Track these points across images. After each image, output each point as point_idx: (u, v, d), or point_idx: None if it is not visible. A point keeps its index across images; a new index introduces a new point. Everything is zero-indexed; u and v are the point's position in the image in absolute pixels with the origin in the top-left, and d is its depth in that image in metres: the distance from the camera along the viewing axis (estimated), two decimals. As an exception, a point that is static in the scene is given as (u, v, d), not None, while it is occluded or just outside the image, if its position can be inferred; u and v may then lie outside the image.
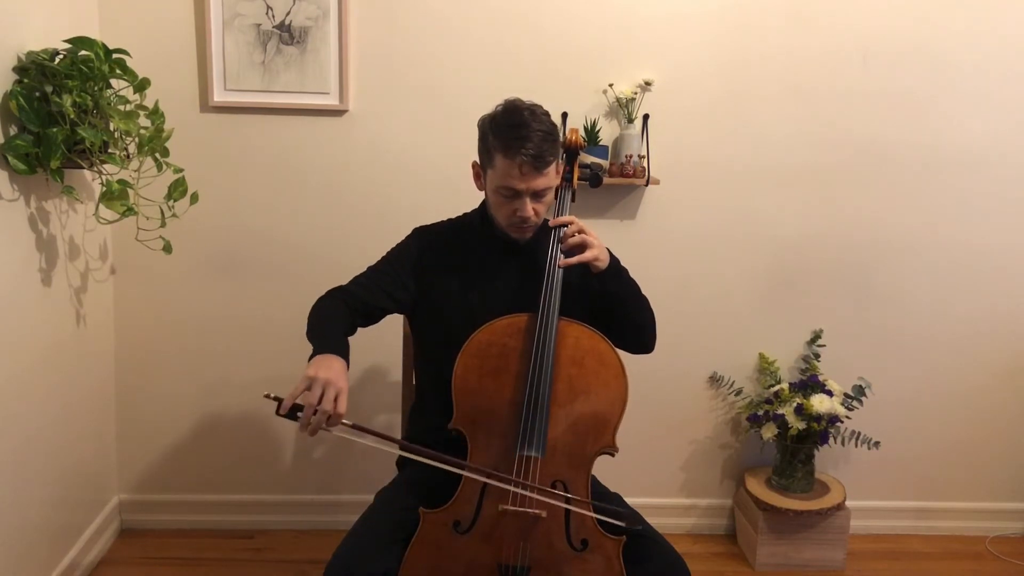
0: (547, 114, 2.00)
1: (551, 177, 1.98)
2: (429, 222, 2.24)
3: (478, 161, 2.08)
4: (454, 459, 1.85)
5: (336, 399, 1.72)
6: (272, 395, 1.71)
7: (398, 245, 2.19)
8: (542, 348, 1.91)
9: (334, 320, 1.98)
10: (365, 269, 2.14)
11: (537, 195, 1.98)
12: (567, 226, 2.00)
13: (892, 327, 3.06)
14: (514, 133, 1.93)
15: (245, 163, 2.84)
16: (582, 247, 1.99)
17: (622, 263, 2.13)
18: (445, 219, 2.24)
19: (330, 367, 1.76)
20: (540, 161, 1.92)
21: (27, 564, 2.40)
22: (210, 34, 2.71)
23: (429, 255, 2.13)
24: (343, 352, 1.86)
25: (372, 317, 2.09)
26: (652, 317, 2.15)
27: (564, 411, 1.93)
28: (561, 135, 2.19)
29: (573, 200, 2.12)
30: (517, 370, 1.93)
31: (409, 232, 2.22)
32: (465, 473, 1.87)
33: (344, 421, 1.74)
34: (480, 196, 2.16)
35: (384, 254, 2.17)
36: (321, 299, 2.07)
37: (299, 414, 1.70)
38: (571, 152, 2.14)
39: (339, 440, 3.01)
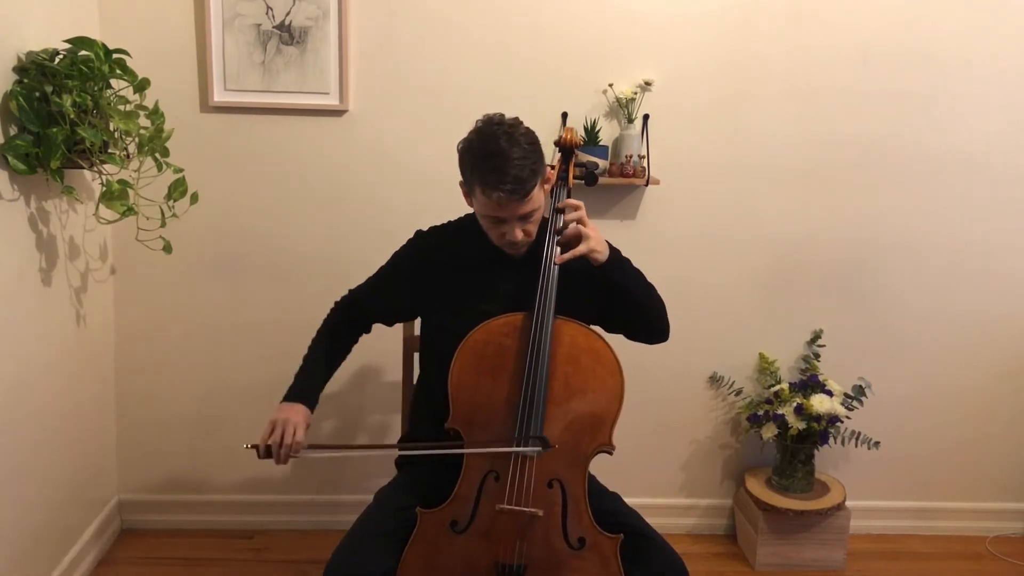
0: (526, 132, 1.93)
1: (536, 199, 1.94)
2: (429, 222, 2.24)
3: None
4: (442, 445, 1.99)
5: (294, 432, 1.98)
6: (249, 445, 2.00)
7: (397, 252, 2.22)
8: (538, 346, 1.91)
9: (320, 360, 2.21)
10: (373, 274, 2.25)
11: (524, 218, 1.95)
12: (566, 212, 1.98)
13: (892, 327, 3.05)
14: (490, 164, 1.87)
15: (245, 163, 2.84)
16: (577, 239, 1.96)
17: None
18: (447, 221, 2.22)
19: (291, 408, 2.05)
20: (519, 192, 1.88)
21: (27, 564, 2.41)
22: (210, 34, 2.72)
23: (428, 258, 2.12)
24: (307, 397, 2.12)
25: (369, 327, 2.29)
26: (661, 304, 2.12)
27: (560, 409, 1.93)
28: (558, 134, 2.18)
29: (569, 198, 2.11)
30: (513, 369, 1.93)
31: (409, 233, 2.23)
32: (464, 451, 1.94)
33: (308, 446, 2.03)
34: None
35: (388, 259, 2.23)
36: (327, 320, 2.28)
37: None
38: (567, 150, 2.12)
39: (338, 439, 3.02)
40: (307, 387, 2.14)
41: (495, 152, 1.87)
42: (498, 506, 1.84)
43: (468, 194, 2.01)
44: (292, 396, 2.11)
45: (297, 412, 2.03)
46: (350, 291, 2.27)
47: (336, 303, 2.28)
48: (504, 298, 2.05)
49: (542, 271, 1.98)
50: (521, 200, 1.90)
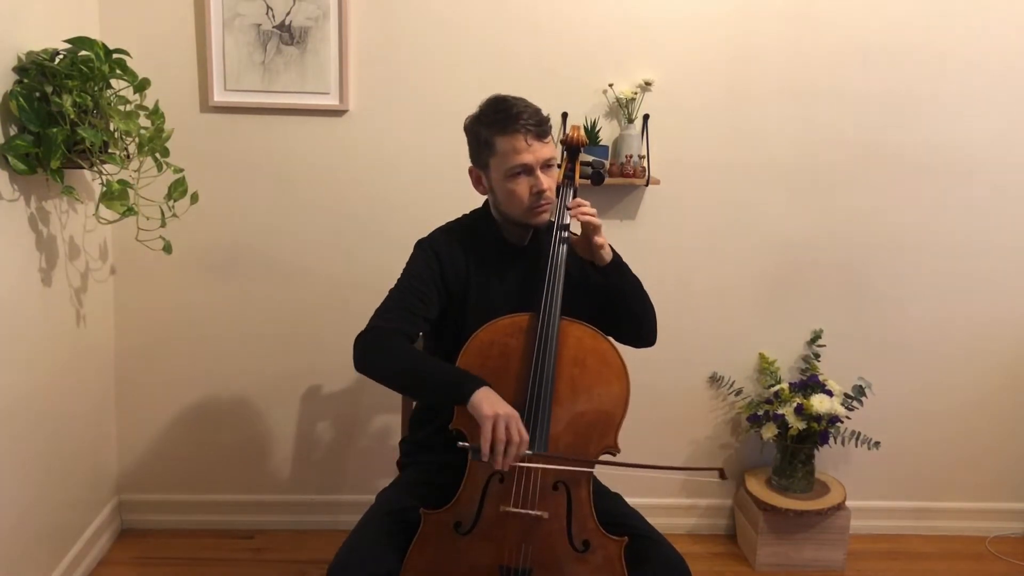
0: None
1: (552, 148, 2.00)
2: (429, 221, 2.20)
3: (473, 165, 2.07)
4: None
5: (519, 430, 1.76)
6: (468, 445, 1.80)
7: (413, 263, 2.09)
8: (544, 348, 1.89)
9: (421, 353, 2.00)
10: (386, 297, 2.04)
11: (546, 166, 1.99)
12: (574, 211, 2.00)
13: (892, 327, 3.06)
14: (506, 112, 1.96)
15: (245, 163, 2.83)
16: (590, 225, 1.99)
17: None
18: (442, 225, 2.18)
19: (499, 400, 1.80)
20: (540, 128, 1.96)
21: (27, 564, 2.40)
22: (210, 34, 2.71)
23: (438, 262, 2.08)
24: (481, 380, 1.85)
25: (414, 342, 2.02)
26: (652, 309, 2.14)
27: (566, 412, 1.92)
28: (563, 133, 2.18)
29: (575, 198, 2.10)
30: (518, 370, 1.92)
31: (409, 232, 2.18)
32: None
33: (527, 450, 1.79)
34: (480, 198, 2.15)
35: (400, 277, 2.07)
36: (376, 341, 1.95)
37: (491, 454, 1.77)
38: (573, 149, 2.11)
39: (338, 439, 3.03)
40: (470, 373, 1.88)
41: (506, 105, 1.98)
42: (503, 508, 1.83)
43: (484, 164, 2.03)
44: (475, 378, 1.83)
45: (508, 404, 1.79)
46: (375, 323, 1.98)
47: (370, 332, 1.97)
48: (508, 297, 2.05)
49: (548, 272, 1.96)
50: (543, 138, 1.97)
